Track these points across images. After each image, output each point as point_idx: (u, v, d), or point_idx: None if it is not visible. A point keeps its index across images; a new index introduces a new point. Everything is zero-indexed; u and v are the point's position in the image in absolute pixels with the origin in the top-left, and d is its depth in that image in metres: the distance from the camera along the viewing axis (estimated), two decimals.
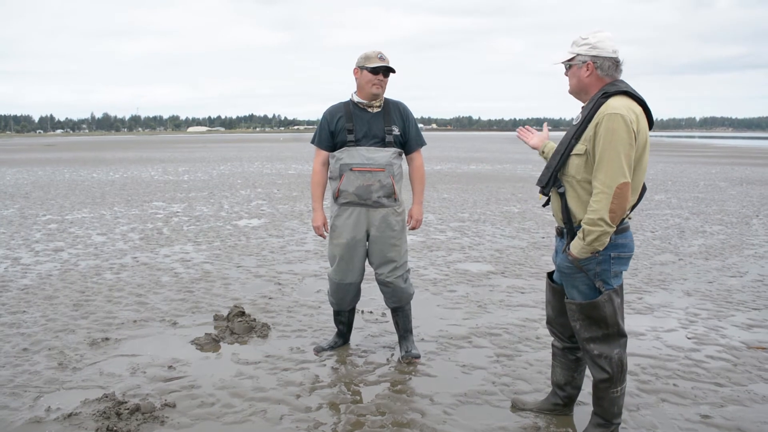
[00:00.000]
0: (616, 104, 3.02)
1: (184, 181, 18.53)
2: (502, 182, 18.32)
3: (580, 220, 3.12)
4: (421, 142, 4.45)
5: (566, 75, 3.28)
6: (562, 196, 3.21)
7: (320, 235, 4.50)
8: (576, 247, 3.09)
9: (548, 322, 3.56)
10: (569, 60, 3.22)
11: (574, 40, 3.22)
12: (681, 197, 14.59)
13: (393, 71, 4.28)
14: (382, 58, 4.23)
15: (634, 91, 3.12)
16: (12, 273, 6.95)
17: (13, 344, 4.72)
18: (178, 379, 4.13)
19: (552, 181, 3.23)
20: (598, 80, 3.17)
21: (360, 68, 4.25)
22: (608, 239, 3.05)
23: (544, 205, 3.45)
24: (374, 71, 4.21)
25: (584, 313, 3.19)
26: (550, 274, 3.50)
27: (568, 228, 3.20)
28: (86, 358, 4.48)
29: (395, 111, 4.36)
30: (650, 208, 12.44)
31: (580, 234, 3.08)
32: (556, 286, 3.42)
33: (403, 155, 4.40)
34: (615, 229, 3.04)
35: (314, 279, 6.76)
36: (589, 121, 3.08)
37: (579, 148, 3.10)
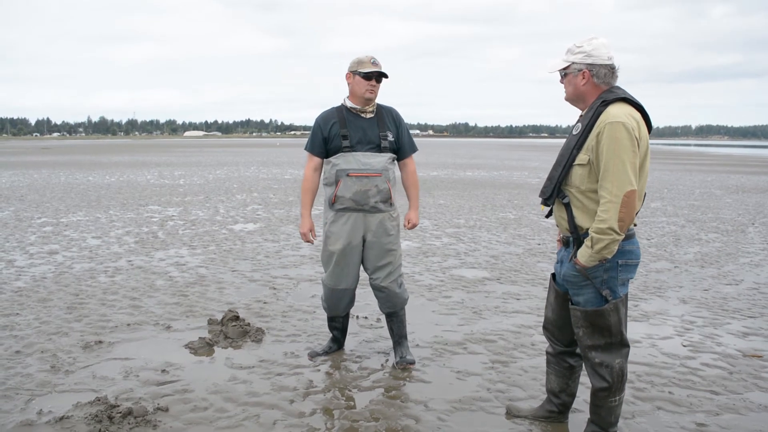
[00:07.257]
0: (617, 112, 2.99)
1: (180, 185, 18.49)
2: (498, 189, 18.34)
3: (587, 230, 3.08)
4: (414, 148, 4.46)
5: (562, 83, 3.25)
6: (567, 206, 3.17)
7: (307, 241, 4.47)
8: (584, 255, 3.06)
9: (545, 326, 3.53)
10: (564, 68, 3.19)
11: (569, 48, 3.18)
12: (677, 205, 14.61)
13: (386, 76, 4.27)
14: (375, 63, 4.22)
15: (632, 97, 3.09)
16: (6, 275, 6.92)
17: (6, 347, 4.69)
18: (171, 383, 4.10)
19: (555, 192, 3.20)
20: (595, 88, 3.15)
21: (353, 73, 4.23)
22: (617, 247, 3.01)
23: (547, 216, 3.43)
24: (367, 77, 4.20)
25: (589, 320, 3.16)
26: (554, 275, 3.43)
27: (575, 237, 3.16)
28: (79, 361, 4.46)
29: (388, 117, 4.36)
30: (646, 216, 12.45)
31: (587, 242, 3.03)
32: (560, 290, 3.37)
33: (396, 161, 4.39)
34: (623, 236, 3.01)
35: (309, 284, 6.74)
36: (590, 130, 3.05)
37: (582, 158, 3.07)
